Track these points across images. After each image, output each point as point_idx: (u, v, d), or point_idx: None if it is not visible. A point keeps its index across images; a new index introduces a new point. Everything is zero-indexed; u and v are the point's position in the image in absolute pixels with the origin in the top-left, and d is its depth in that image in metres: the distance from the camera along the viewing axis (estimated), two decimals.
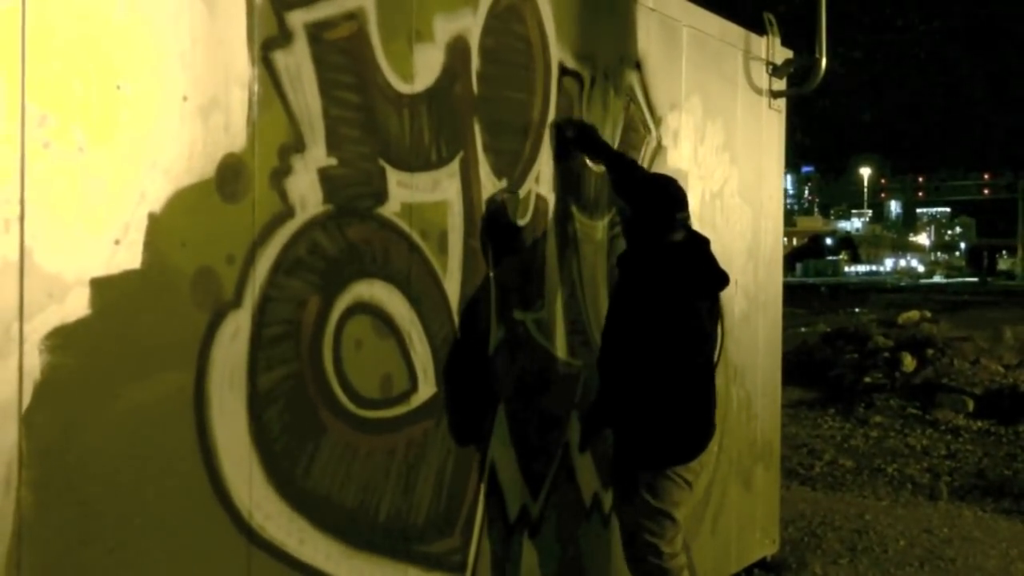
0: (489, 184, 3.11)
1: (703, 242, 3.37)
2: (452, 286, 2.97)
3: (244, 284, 2.29)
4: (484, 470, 3.12)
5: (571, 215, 3.56)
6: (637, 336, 3.18)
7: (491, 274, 3.14)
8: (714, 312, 3.40)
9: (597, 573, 3.76)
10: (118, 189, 2.04)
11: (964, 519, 6.14)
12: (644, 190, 3.34)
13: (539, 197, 3.36)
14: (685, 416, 3.23)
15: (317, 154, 2.47)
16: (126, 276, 2.05)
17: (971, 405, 9.95)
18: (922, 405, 10.16)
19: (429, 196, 2.86)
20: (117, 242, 2.04)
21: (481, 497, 3.11)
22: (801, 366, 11.97)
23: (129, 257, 2.06)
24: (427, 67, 2.82)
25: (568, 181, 3.51)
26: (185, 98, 2.17)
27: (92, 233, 2.00)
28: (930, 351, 11.53)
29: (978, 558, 5.26)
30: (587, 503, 3.69)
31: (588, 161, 3.62)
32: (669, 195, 3.31)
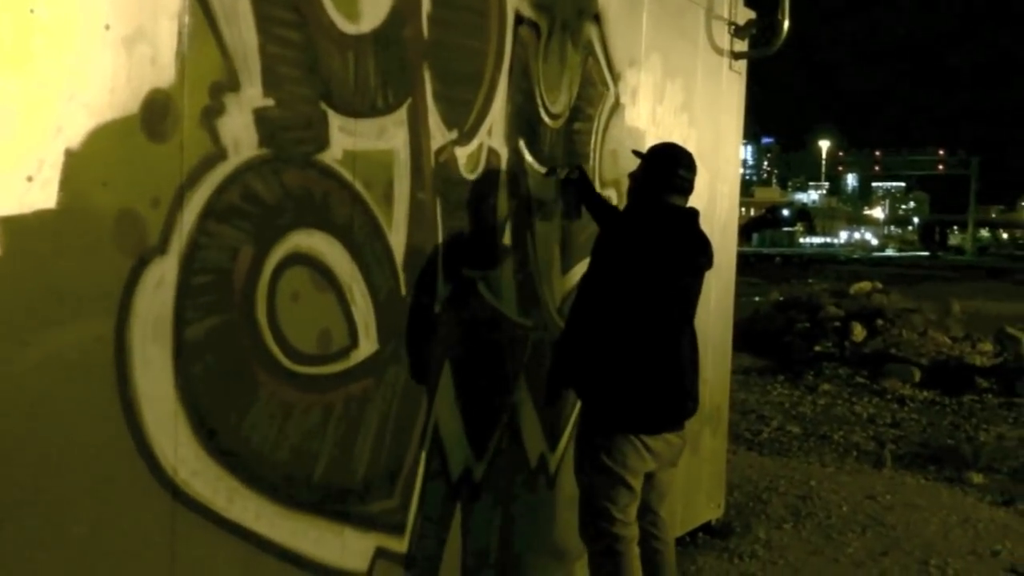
0: (439, 134, 2.98)
1: (694, 215, 3.34)
2: (397, 239, 2.85)
3: (170, 229, 2.15)
4: (427, 430, 3.04)
5: (525, 170, 3.45)
6: (617, 296, 3.11)
7: (439, 228, 3.03)
8: (696, 290, 3.33)
9: (541, 535, 3.72)
10: (31, 122, 1.89)
11: (907, 486, 6.23)
12: (652, 150, 3.40)
13: (491, 150, 3.25)
14: (654, 386, 3.14)
15: (252, 94, 2.32)
16: (40, 216, 1.91)
17: (918, 375, 10.13)
18: (870, 374, 10.32)
19: (374, 144, 2.73)
20: (30, 179, 1.89)
21: (423, 457, 3.02)
22: (753, 334, 12.09)
23: (44, 196, 1.92)
24: (374, 7, 2.68)
25: (522, 135, 3.40)
26: (108, 27, 2.01)
27: (2, 169, 1.85)
28: (880, 322, 11.72)
29: (919, 524, 5.34)
30: (532, 465, 3.63)
31: (544, 116, 3.52)
32: (674, 152, 3.34)
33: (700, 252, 3.28)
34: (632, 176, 3.43)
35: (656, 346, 3.14)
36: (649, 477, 3.30)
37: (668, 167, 3.27)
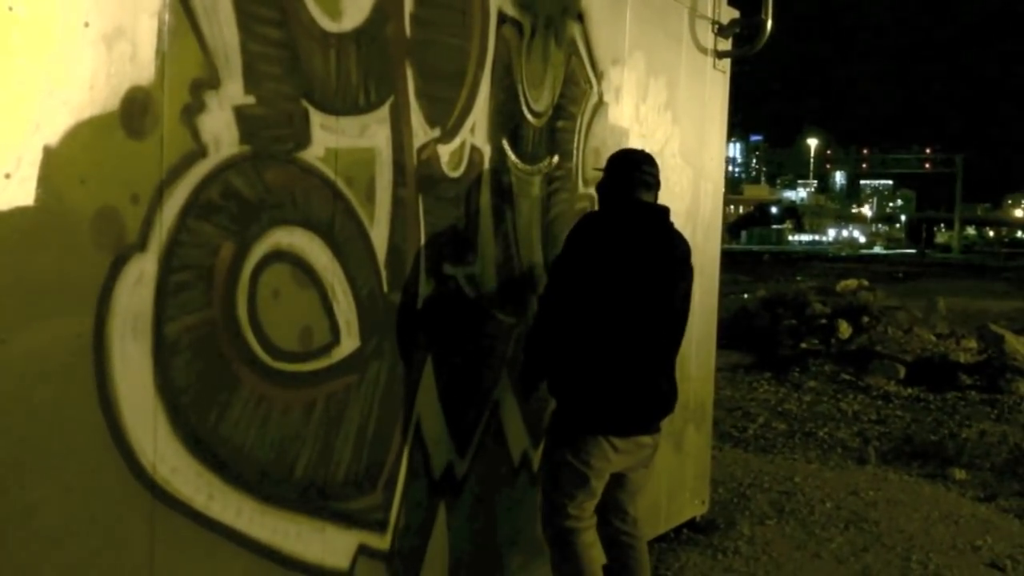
0: (421, 132, 2.99)
1: (665, 211, 3.34)
2: (379, 237, 2.86)
3: (150, 226, 2.15)
4: (409, 427, 3.04)
5: (507, 168, 3.46)
6: (587, 294, 3.10)
7: (421, 226, 3.04)
8: (672, 287, 3.26)
9: (523, 532, 3.73)
10: (9, 118, 1.89)
11: (890, 483, 6.27)
12: (612, 156, 3.45)
13: (474, 148, 3.26)
14: (624, 387, 3.12)
15: (233, 91, 2.32)
16: (18, 213, 1.91)
17: (902, 372, 10.19)
18: (855, 371, 10.37)
19: (356, 142, 2.73)
20: (8, 176, 1.89)
21: (405, 454, 3.03)
22: (740, 331, 12.13)
23: (22, 193, 1.91)
24: (356, 5, 2.68)
25: (505, 133, 3.41)
26: (87, 24, 2.01)
27: None
28: (866, 319, 11.77)
29: (901, 520, 5.37)
30: (515, 462, 3.64)
31: (527, 114, 3.53)
32: (631, 154, 3.43)
33: (672, 247, 3.27)
34: (599, 186, 3.45)
35: (627, 346, 3.11)
36: (620, 477, 3.29)
37: (631, 165, 3.33)
